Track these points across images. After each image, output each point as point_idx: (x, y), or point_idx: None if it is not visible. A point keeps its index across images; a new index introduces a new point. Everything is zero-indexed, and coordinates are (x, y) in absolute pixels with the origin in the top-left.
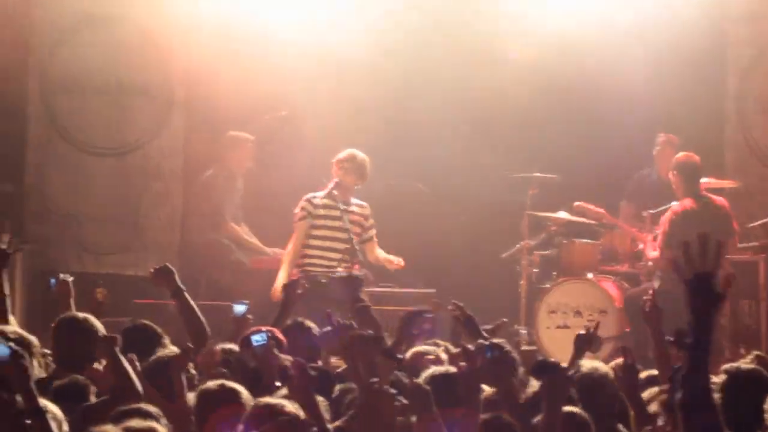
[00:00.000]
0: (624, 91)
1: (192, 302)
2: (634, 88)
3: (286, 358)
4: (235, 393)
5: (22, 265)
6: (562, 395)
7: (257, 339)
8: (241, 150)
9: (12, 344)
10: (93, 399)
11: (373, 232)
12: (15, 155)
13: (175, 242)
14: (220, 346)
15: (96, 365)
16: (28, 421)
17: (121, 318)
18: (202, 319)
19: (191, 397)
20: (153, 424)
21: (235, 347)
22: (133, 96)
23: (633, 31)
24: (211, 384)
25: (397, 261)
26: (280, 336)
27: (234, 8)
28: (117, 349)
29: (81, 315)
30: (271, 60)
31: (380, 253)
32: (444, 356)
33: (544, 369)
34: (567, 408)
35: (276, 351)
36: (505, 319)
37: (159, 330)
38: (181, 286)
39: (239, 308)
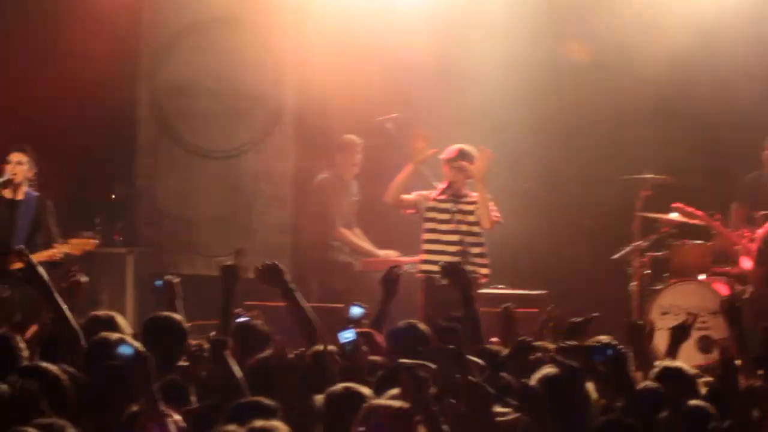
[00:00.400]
0: (735, 93)
1: (303, 302)
2: (745, 90)
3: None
4: (360, 396)
5: (134, 268)
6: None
7: (346, 336)
8: (348, 153)
9: (137, 345)
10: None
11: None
12: (126, 159)
13: (286, 245)
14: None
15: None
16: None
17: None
18: (314, 319)
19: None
20: (275, 422)
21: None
22: (244, 99)
23: (744, 33)
24: (337, 388)
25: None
26: (378, 337)
27: (346, 12)
28: (227, 353)
29: (172, 315)
30: (383, 63)
31: None
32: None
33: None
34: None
35: (365, 348)
36: (596, 314)
37: (266, 330)
38: (292, 285)
39: (356, 311)
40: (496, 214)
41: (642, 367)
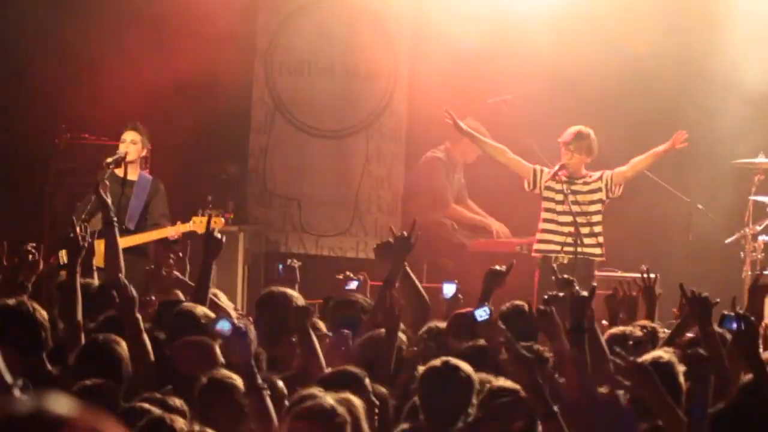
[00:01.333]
0: None
1: (416, 281)
2: None
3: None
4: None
5: (244, 247)
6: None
7: (480, 314)
8: (468, 144)
9: (236, 320)
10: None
11: (616, 190)
12: (240, 138)
13: (396, 226)
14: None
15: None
16: (247, 400)
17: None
18: (425, 296)
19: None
20: (350, 396)
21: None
22: (356, 78)
23: None
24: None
25: None
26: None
27: None
28: (308, 322)
29: (282, 289)
30: (495, 44)
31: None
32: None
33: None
34: None
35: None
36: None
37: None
38: (406, 268)
39: (449, 288)
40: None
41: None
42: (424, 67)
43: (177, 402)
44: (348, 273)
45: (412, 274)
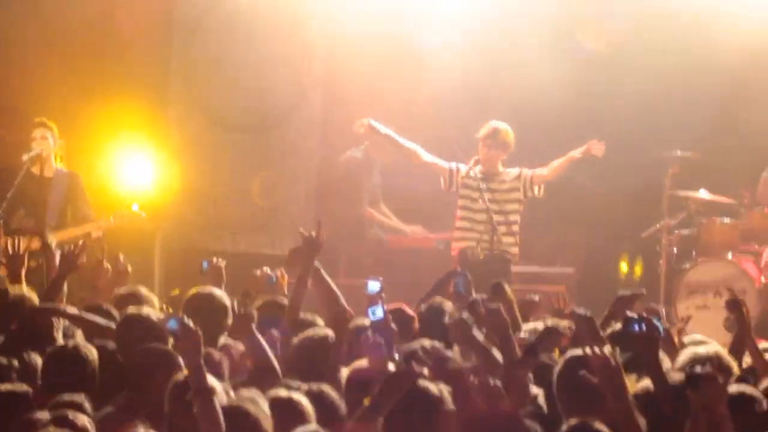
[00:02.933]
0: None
1: (330, 282)
2: None
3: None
4: None
5: (161, 243)
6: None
7: (375, 313)
8: (380, 145)
9: (184, 317)
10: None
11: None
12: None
13: (310, 221)
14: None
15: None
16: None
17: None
18: (340, 297)
19: None
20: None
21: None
22: (271, 73)
23: None
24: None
25: None
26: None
27: None
28: (254, 326)
29: (212, 290)
30: (411, 41)
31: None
32: None
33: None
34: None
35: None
36: (643, 290)
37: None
38: (318, 266)
39: (374, 285)
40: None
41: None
42: (340, 61)
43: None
44: (266, 269)
45: (325, 275)
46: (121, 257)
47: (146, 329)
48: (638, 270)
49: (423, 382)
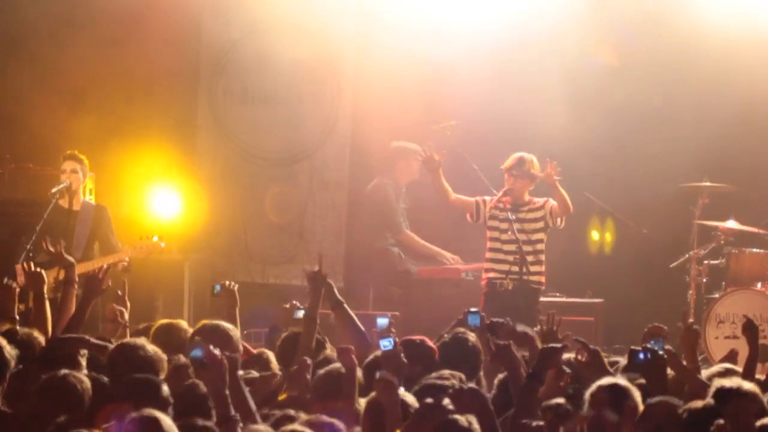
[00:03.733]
0: None
1: (353, 317)
2: None
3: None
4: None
5: (189, 275)
6: None
7: (384, 344)
8: (409, 161)
9: (210, 346)
10: None
11: (558, 222)
12: (185, 166)
13: (341, 253)
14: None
15: None
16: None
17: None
18: (361, 327)
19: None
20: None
21: None
22: (300, 106)
23: None
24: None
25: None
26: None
27: (405, 22)
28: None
29: (218, 323)
30: (441, 69)
31: None
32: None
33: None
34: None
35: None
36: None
37: (320, 336)
38: (340, 298)
39: (382, 321)
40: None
41: (689, 372)
42: (368, 93)
43: None
44: (295, 302)
45: (349, 310)
46: (122, 311)
47: (138, 359)
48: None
49: (452, 415)
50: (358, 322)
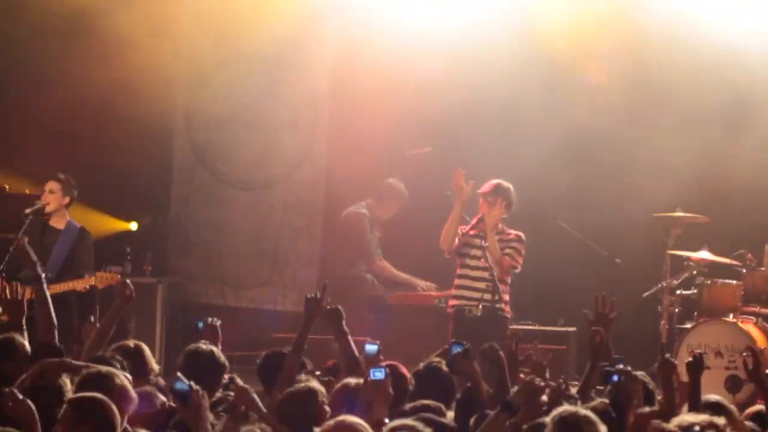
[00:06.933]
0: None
1: (353, 346)
2: None
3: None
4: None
5: (163, 298)
6: None
7: (376, 374)
8: (392, 202)
9: (192, 383)
10: None
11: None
12: (161, 188)
13: (314, 278)
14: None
15: None
16: None
17: (261, 351)
18: (356, 355)
19: None
20: None
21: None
22: (276, 130)
23: None
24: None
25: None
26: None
27: (381, 49)
28: (255, 398)
29: (208, 348)
30: (416, 95)
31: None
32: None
33: None
34: None
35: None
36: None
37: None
38: (346, 329)
39: (371, 348)
40: (513, 262)
41: (668, 405)
42: (344, 120)
43: None
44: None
45: (350, 338)
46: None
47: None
48: None
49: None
50: (354, 350)
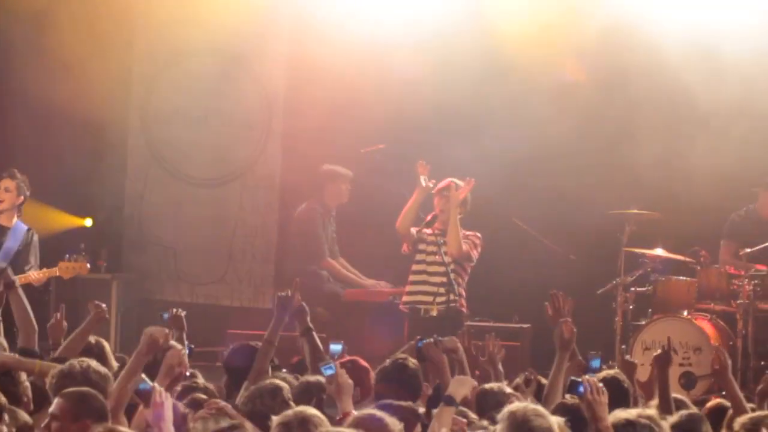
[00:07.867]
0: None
1: (318, 342)
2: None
3: None
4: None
5: (118, 294)
6: None
7: (327, 370)
8: (338, 184)
9: (156, 385)
10: None
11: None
12: (115, 185)
13: (270, 274)
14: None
15: None
16: None
17: (218, 348)
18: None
19: None
20: None
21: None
22: (230, 128)
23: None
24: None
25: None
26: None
27: (337, 42)
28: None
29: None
30: (375, 92)
31: None
32: None
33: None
34: None
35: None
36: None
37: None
38: (311, 325)
39: (336, 348)
40: (468, 248)
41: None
42: (299, 117)
43: None
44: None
45: (315, 335)
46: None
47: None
48: None
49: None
50: (323, 351)
